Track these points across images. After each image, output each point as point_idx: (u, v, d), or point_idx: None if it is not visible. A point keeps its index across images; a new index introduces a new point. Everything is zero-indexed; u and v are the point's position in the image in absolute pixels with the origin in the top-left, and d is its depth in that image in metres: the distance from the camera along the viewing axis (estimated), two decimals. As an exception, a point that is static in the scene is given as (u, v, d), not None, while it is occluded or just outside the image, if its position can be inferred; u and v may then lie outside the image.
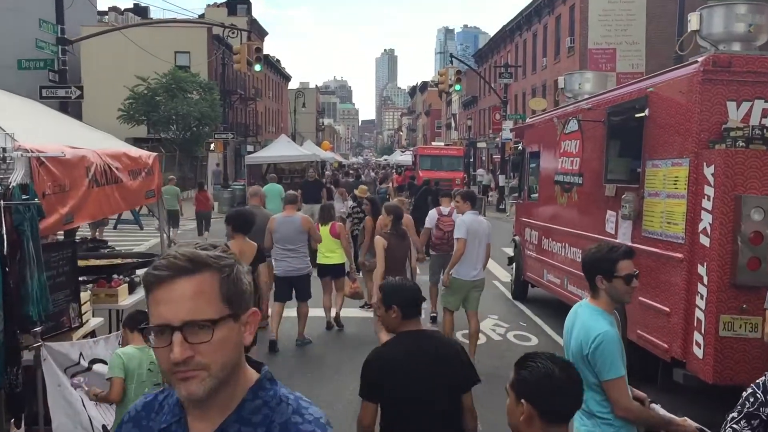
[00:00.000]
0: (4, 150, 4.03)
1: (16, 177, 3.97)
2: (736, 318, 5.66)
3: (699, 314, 5.84)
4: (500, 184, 33.11)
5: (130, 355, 4.33)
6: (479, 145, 56.56)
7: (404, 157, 54.10)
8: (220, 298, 1.41)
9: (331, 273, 9.75)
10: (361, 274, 10.38)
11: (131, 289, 6.91)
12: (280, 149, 30.86)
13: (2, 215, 3.91)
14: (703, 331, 5.78)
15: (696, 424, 3.12)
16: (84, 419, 4.81)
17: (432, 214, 9.92)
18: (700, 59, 6.16)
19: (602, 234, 7.83)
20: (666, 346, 6.32)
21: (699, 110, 6.03)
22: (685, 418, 3.19)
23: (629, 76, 25.82)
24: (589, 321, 3.25)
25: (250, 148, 47.73)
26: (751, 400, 2.51)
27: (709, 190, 5.81)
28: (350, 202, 15.15)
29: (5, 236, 3.95)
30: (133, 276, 7.18)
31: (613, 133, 8.03)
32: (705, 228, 5.84)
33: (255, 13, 61.57)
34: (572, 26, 34.88)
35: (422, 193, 17.83)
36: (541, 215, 10.98)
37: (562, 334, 3.58)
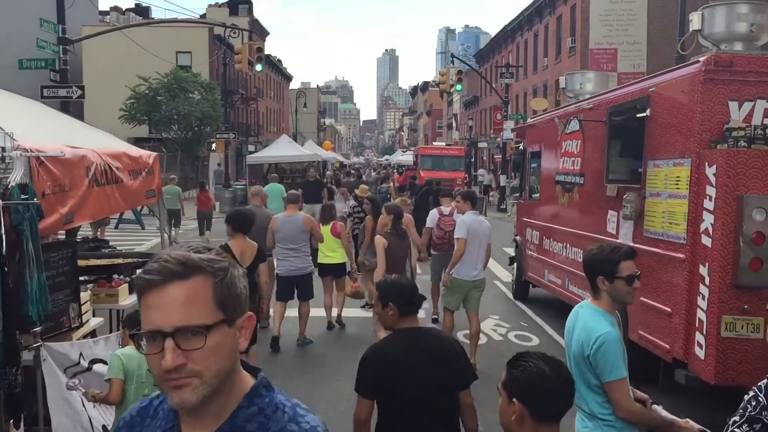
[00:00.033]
0: (3, 149, 4.02)
1: (16, 177, 3.96)
2: (737, 319, 5.64)
3: (701, 315, 5.83)
4: (501, 184, 33.09)
5: (129, 356, 4.32)
6: (480, 145, 56.57)
7: (405, 157, 54.06)
8: (213, 302, 1.36)
9: (332, 272, 9.76)
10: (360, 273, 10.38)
11: (132, 289, 6.90)
12: (282, 149, 30.86)
13: (1, 215, 3.90)
14: (704, 331, 5.76)
15: (698, 426, 3.10)
16: (84, 419, 4.80)
17: (433, 214, 9.93)
18: (701, 59, 6.14)
19: (603, 234, 7.81)
20: (667, 346, 6.30)
21: (701, 110, 6.01)
22: (687, 419, 3.17)
23: (630, 76, 25.80)
24: (590, 322, 3.24)
25: (251, 147, 47.77)
26: (753, 403, 2.48)
27: (710, 191, 5.79)
28: (352, 202, 15.14)
29: (4, 236, 3.94)
30: (133, 276, 7.17)
31: (615, 133, 8.01)
32: (707, 228, 5.82)
33: (256, 13, 61.63)
34: (573, 26, 34.86)
35: (424, 193, 17.83)
36: (543, 215, 10.96)
37: (563, 335, 3.56)
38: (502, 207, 31.10)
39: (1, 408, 4.35)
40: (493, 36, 57.74)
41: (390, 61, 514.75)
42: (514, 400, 2.23)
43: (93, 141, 5.95)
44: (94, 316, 6.24)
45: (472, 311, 8.13)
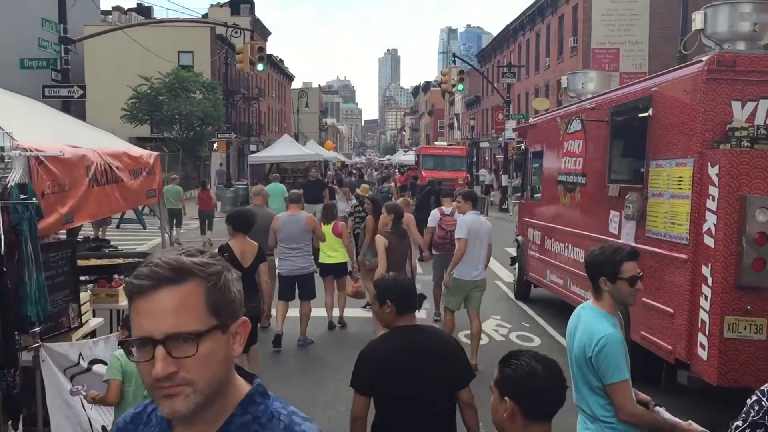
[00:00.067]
0: (2, 149, 3.99)
1: (15, 176, 3.93)
2: (740, 319, 5.61)
3: (703, 315, 5.80)
4: (503, 184, 33.05)
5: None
6: (482, 144, 56.56)
7: (407, 157, 54.07)
8: (205, 308, 1.31)
9: (334, 272, 9.75)
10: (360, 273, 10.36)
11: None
12: (283, 149, 30.88)
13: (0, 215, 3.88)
14: (707, 332, 5.73)
15: (700, 428, 3.08)
16: (83, 420, 4.79)
17: (434, 214, 9.93)
18: (704, 58, 6.12)
19: (605, 234, 7.78)
20: (670, 347, 6.27)
21: (703, 110, 5.98)
22: (690, 422, 3.15)
23: (632, 75, 25.76)
24: (592, 323, 3.21)
25: (253, 147, 47.79)
26: (756, 408, 2.45)
27: (713, 191, 5.76)
28: (353, 201, 15.13)
29: (3, 236, 3.91)
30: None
31: (617, 133, 7.98)
32: (709, 229, 5.80)
33: (258, 13, 61.59)
34: (575, 26, 34.82)
35: (425, 193, 17.83)
36: (544, 215, 10.94)
37: (565, 336, 3.54)
38: (503, 207, 31.06)
39: (-1, 409, 4.33)
40: (494, 36, 57.69)
41: (392, 61, 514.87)
42: (506, 398, 2.24)
43: (93, 140, 5.93)
44: (94, 316, 6.22)
45: (473, 311, 8.11)
